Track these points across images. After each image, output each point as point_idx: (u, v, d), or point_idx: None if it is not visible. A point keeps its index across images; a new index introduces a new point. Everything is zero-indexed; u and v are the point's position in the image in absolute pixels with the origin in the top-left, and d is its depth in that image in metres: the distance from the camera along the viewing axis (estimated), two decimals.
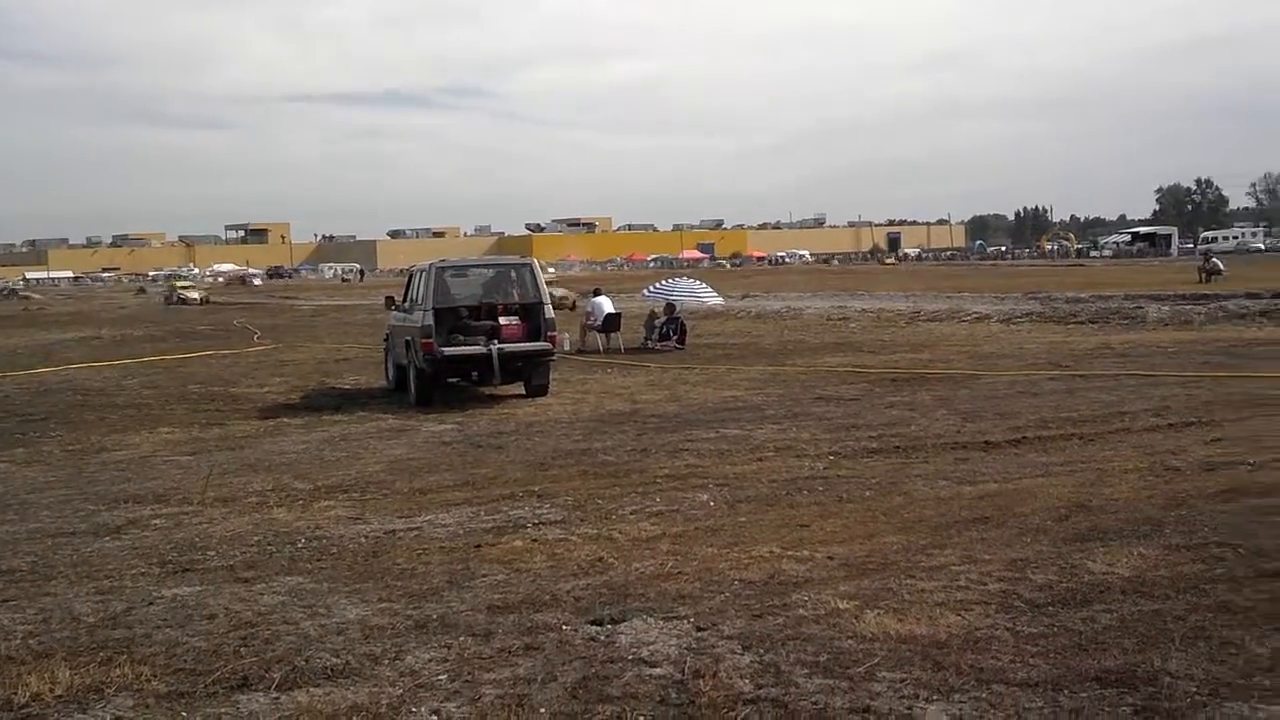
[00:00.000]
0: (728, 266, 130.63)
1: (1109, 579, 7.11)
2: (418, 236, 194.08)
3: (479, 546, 8.64)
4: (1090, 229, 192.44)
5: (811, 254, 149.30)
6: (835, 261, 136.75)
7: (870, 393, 17.36)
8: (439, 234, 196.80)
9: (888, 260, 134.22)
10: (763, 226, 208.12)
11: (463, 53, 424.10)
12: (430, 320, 17.64)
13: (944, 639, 6.14)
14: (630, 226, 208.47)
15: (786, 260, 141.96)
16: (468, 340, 18.04)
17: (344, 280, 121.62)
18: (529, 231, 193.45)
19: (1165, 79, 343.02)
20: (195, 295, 71.82)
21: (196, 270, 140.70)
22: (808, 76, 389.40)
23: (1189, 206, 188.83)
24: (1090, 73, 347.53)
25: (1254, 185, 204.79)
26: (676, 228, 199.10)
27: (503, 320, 18.37)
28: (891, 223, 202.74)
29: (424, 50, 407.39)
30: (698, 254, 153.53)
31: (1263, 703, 5.14)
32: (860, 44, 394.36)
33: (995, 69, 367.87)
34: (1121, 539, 8.05)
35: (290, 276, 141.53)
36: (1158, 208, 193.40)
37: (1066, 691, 5.34)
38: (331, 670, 6.02)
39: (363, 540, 9.02)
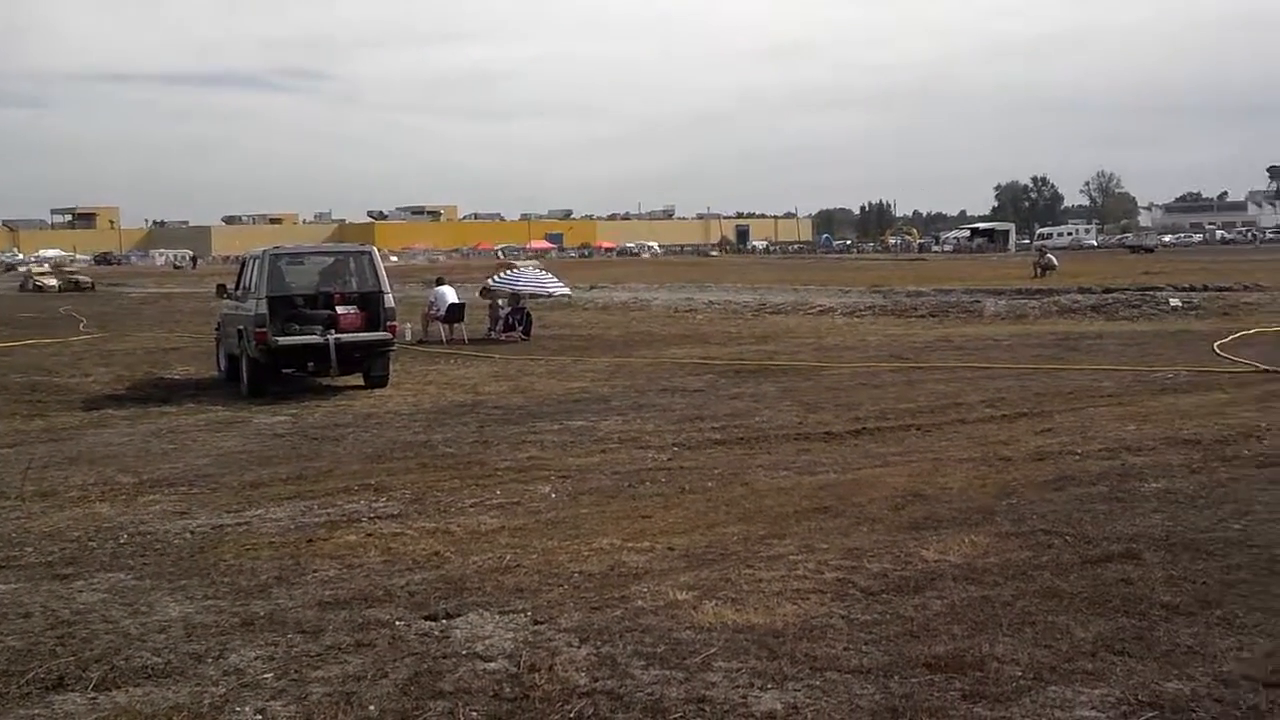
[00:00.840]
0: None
1: (941, 566, 7.31)
2: (254, 223, 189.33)
3: (311, 541, 8.49)
4: (932, 224, 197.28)
5: (661, 245, 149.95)
6: (649, 253, 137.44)
7: (715, 385, 17.55)
8: (276, 220, 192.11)
9: (711, 252, 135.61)
10: (612, 217, 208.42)
11: (296, 32, 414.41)
12: (264, 309, 17.25)
13: (780, 628, 6.23)
14: (477, 215, 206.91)
15: (635, 251, 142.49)
16: (303, 330, 17.68)
17: (175, 267, 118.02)
18: (371, 219, 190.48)
19: (1005, 76, 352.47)
20: (53, 281, 66.11)
21: (20, 255, 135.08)
22: (659, 64, 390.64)
23: (1026, 203, 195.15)
24: (933, 69, 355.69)
25: (1087, 184, 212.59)
26: (524, 217, 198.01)
27: (340, 309, 18.05)
28: (740, 215, 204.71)
29: (255, 29, 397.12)
30: (546, 244, 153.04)
31: (1085, 686, 5.33)
32: (709, 32, 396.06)
33: (842, 61, 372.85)
34: (954, 527, 8.28)
35: (120, 263, 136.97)
36: (996, 204, 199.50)
37: (897, 677, 5.46)
38: (152, 669, 5.86)
39: (189, 536, 8.79)
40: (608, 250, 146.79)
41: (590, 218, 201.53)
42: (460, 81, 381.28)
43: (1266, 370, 17.06)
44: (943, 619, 6.30)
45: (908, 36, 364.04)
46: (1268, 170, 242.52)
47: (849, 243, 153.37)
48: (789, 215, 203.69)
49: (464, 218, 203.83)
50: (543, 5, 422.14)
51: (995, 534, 8.05)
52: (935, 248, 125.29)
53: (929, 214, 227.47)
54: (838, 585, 7.01)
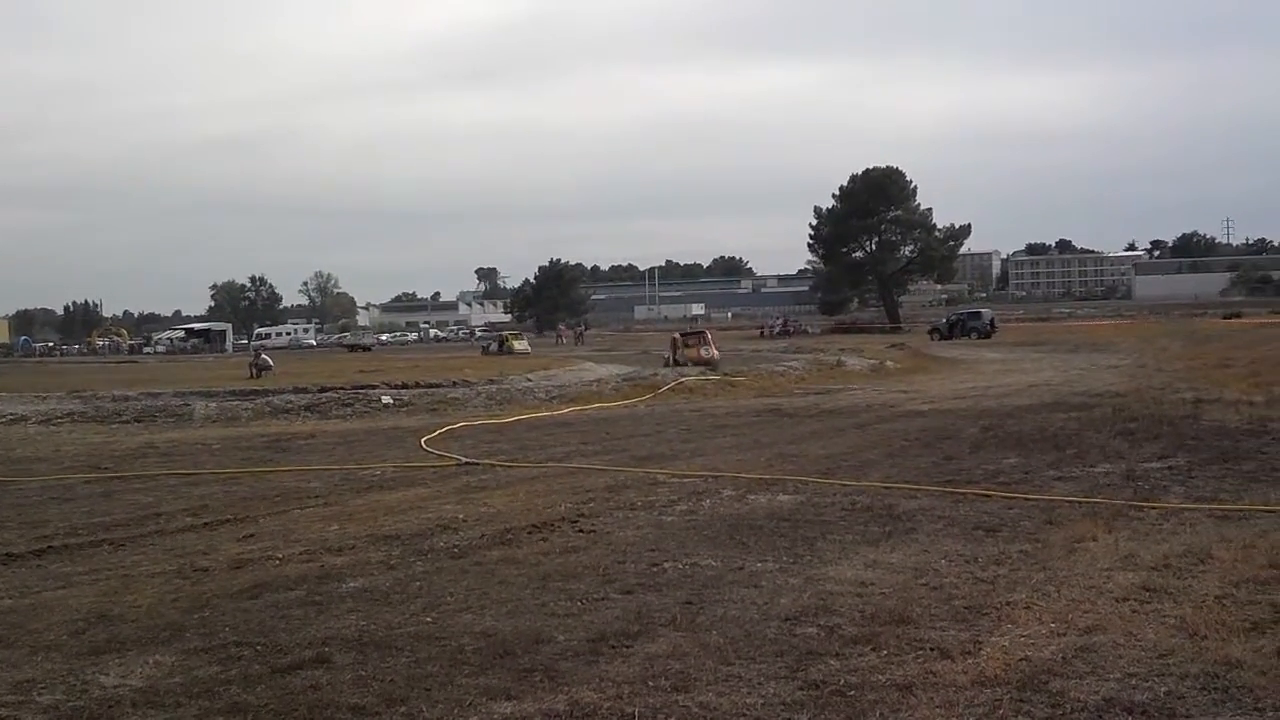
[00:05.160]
0: None
1: (120, 692, 7.00)
2: None
3: None
4: (145, 324, 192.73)
5: None
6: None
7: None
8: None
9: None
10: None
11: None
12: None
13: None
14: None
15: None
16: None
17: None
18: None
19: (194, 174, 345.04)
20: None
21: None
22: None
23: (245, 303, 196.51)
24: (126, 165, 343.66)
25: (306, 283, 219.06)
26: None
27: None
28: None
29: None
30: None
31: None
32: None
33: (29, 155, 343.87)
34: (139, 648, 7.98)
35: None
36: (214, 304, 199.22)
37: None
38: None
39: None
40: None
41: None
42: None
43: (468, 462, 18.33)
44: None
45: (67, 132, 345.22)
46: (476, 272, 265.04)
47: (51, 345, 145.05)
48: None
49: None
50: None
51: (183, 651, 7.85)
52: (148, 349, 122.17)
53: (141, 314, 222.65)
54: None
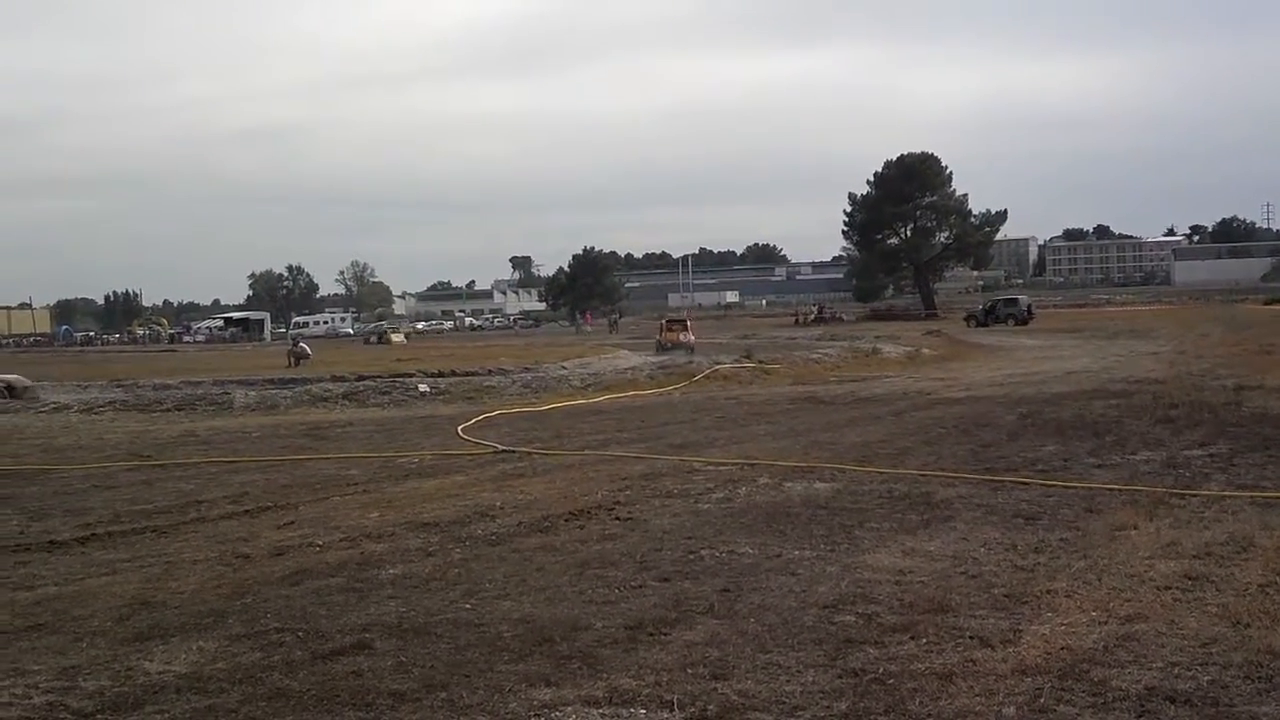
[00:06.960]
0: None
1: (164, 678, 7.05)
2: None
3: None
4: (184, 314, 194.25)
5: None
6: None
7: None
8: None
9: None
10: None
11: None
12: None
13: None
14: None
15: None
16: None
17: None
18: None
19: (227, 165, 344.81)
20: None
21: None
22: None
23: (282, 292, 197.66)
24: (157, 155, 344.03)
25: (342, 273, 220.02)
26: None
27: None
28: None
29: None
30: None
31: None
32: None
33: (65, 145, 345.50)
34: (182, 634, 8.04)
35: None
36: (251, 293, 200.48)
37: None
38: None
39: None
40: None
41: None
42: None
43: (504, 450, 18.37)
44: None
45: (113, 120, 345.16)
46: (510, 260, 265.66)
47: (92, 334, 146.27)
48: (24, 306, 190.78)
49: None
50: None
51: (226, 637, 7.91)
52: (187, 338, 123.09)
53: (181, 303, 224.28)
54: (48, 710, 6.57)
